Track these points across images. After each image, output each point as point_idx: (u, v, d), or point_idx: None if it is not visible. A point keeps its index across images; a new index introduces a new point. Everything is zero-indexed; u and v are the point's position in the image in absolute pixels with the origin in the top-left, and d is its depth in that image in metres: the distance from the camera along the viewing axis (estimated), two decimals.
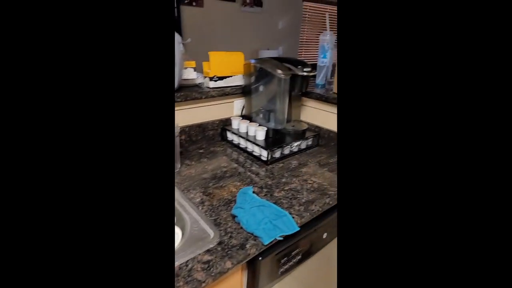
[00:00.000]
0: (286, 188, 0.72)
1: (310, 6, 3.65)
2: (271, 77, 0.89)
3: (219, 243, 0.52)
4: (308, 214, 0.62)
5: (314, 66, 1.03)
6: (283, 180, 0.76)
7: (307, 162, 0.88)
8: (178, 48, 0.79)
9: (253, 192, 0.69)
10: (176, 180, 0.73)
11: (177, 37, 0.79)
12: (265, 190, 0.71)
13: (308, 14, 3.69)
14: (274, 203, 0.64)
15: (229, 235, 0.54)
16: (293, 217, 0.59)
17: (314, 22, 3.79)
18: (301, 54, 3.89)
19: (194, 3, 2.74)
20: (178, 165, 0.80)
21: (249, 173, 0.79)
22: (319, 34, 1.08)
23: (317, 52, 1.07)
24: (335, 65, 1.09)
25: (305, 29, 3.76)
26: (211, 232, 0.54)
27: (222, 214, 0.60)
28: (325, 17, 1.08)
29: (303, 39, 3.80)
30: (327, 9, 3.81)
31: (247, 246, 0.52)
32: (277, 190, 0.71)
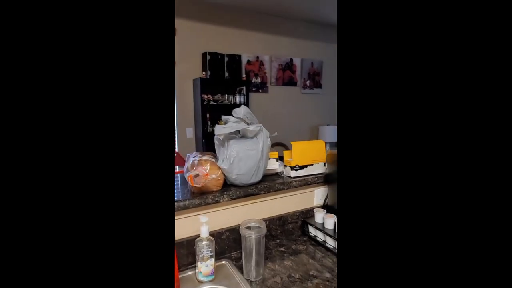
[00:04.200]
0: None
1: None
2: None
3: None
4: None
5: None
6: None
7: None
8: (266, 142, 0.79)
9: None
10: None
11: (265, 132, 0.80)
12: None
13: None
14: None
15: None
16: None
17: None
18: None
19: (260, 90, 3.07)
20: (261, 270, 0.69)
21: None
22: None
23: None
24: None
25: None
26: None
27: None
28: None
29: None
30: None
31: None
32: None
